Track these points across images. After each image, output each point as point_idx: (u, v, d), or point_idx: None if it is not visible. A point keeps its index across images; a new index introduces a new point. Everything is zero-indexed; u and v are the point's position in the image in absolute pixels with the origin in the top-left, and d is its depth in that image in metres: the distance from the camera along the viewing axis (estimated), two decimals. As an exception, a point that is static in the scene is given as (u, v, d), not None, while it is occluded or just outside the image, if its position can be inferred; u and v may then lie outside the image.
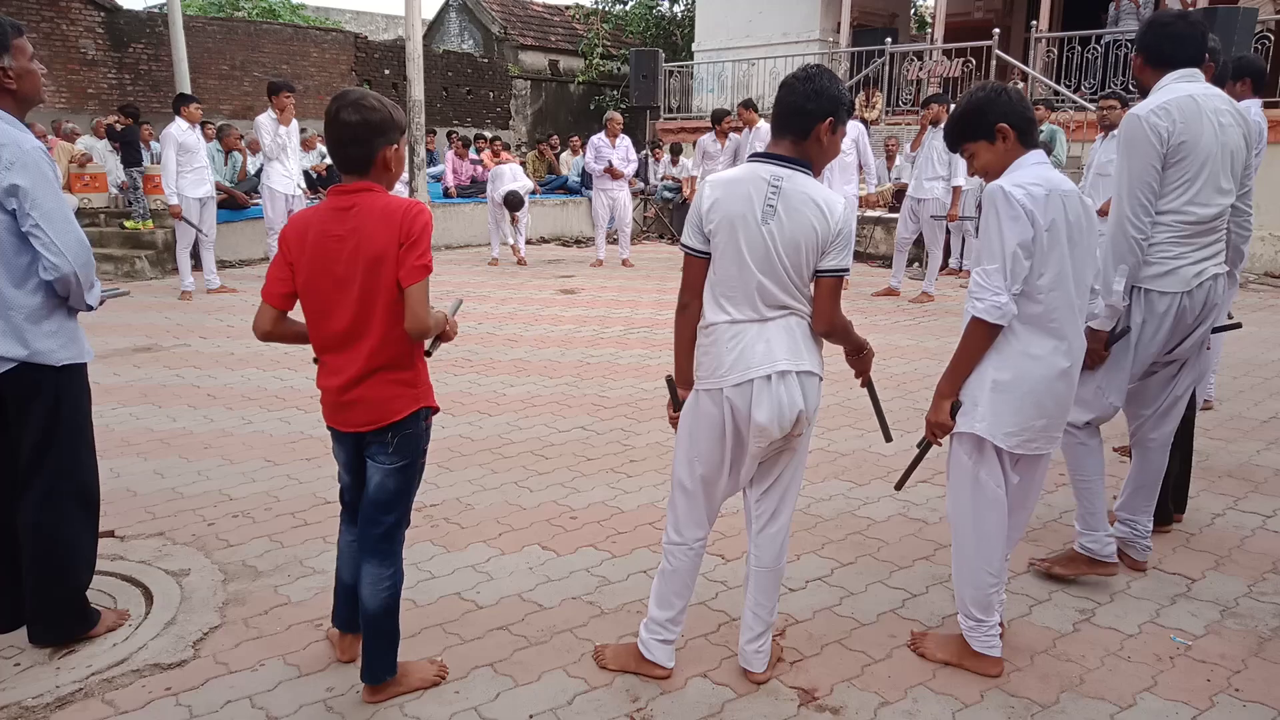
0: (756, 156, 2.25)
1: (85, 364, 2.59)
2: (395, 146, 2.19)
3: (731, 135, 9.84)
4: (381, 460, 2.27)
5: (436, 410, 2.36)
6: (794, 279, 2.21)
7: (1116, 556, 2.99)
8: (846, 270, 2.26)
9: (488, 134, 14.41)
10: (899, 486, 2.67)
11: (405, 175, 10.20)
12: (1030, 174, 2.30)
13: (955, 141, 2.47)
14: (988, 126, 2.35)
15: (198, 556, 3.18)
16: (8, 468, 2.57)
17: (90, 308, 2.55)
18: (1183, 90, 2.76)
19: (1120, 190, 2.79)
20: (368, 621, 2.32)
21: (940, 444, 2.50)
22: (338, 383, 2.22)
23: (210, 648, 2.61)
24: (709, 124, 10.33)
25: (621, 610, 2.84)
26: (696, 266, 2.27)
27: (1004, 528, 2.45)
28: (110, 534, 3.31)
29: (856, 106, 12.36)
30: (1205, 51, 2.87)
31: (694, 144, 10.55)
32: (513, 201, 9.96)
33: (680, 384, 2.40)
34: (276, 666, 2.52)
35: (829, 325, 2.27)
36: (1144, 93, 2.90)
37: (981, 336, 2.33)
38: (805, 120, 2.19)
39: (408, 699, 2.37)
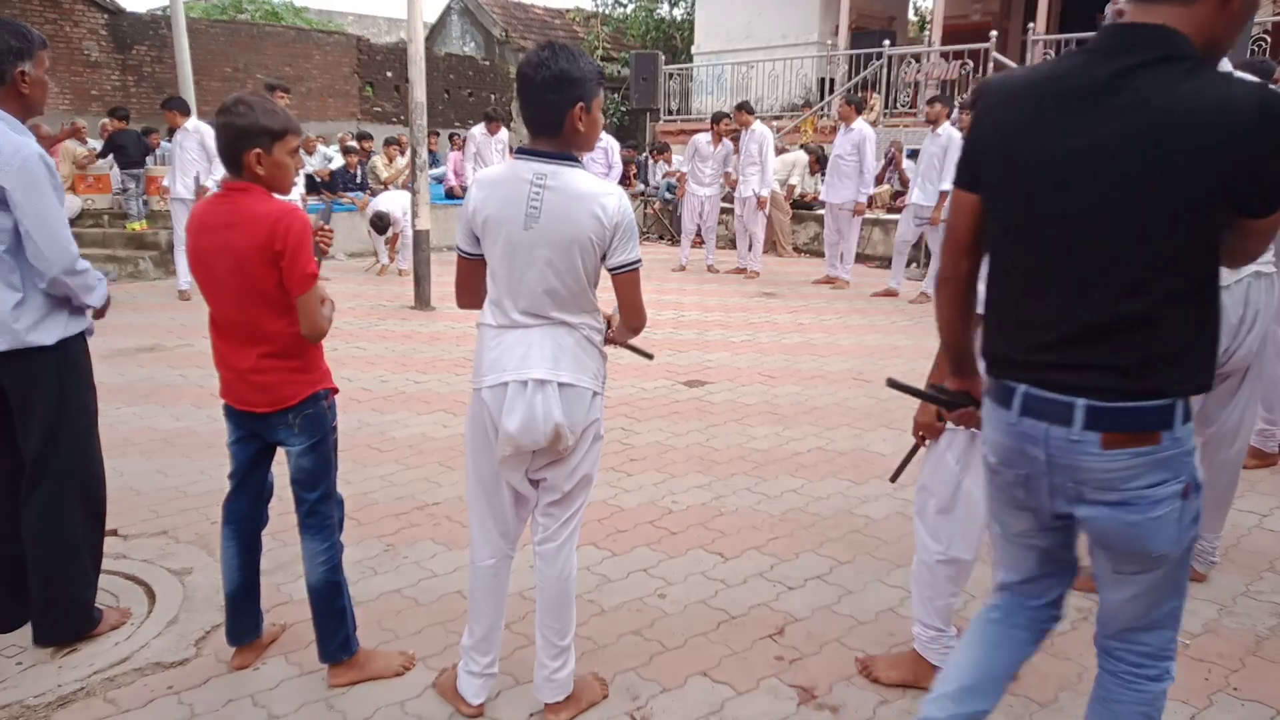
0: (519, 153, 2.06)
1: (84, 353, 2.59)
2: (259, 151, 2.18)
3: (725, 140, 9.84)
4: (291, 443, 2.35)
5: (336, 391, 2.41)
6: (568, 285, 2.05)
7: None
8: (638, 263, 2.14)
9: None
10: (893, 479, 2.56)
11: (405, 177, 10.23)
12: None
13: None
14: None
15: (200, 555, 3.19)
16: (10, 468, 2.58)
17: (93, 307, 2.57)
18: None
19: None
20: (313, 597, 2.38)
21: (925, 445, 2.36)
22: (235, 366, 2.30)
23: (212, 646, 2.62)
24: (709, 124, 10.35)
25: (621, 608, 2.86)
26: (465, 268, 2.16)
27: (976, 541, 2.32)
28: (113, 533, 3.32)
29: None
30: None
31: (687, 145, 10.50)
32: (379, 225, 9.40)
33: None
34: (278, 665, 2.53)
35: (637, 316, 2.21)
36: None
37: None
38: (555, 111, 1.98)
39: (408, 697, 2.38)
